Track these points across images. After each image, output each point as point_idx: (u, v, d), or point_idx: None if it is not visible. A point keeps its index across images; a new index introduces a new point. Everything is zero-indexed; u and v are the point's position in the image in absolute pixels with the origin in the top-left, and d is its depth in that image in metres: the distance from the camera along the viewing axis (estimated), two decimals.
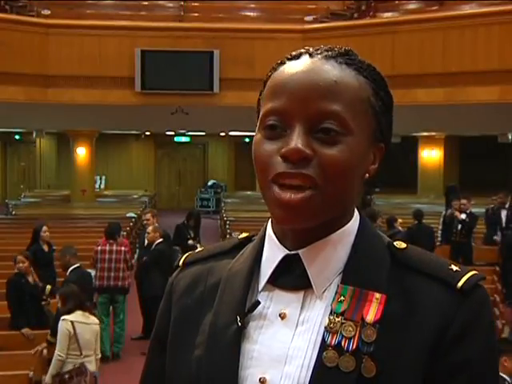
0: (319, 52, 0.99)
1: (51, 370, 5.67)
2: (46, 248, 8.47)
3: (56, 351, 5.64)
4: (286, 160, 0.93)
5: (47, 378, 5.67)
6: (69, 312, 5.70)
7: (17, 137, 22.71)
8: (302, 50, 1.01)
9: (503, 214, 11.15)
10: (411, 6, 14.10)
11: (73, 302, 5.71)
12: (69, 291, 5.84)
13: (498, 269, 9.28)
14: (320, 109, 0.94)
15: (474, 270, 0.99)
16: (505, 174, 20.45)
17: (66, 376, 5.69)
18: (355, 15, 14.47)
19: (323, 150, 0.93)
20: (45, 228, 8.51)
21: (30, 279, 6.92)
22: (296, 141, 0.93)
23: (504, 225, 11.06)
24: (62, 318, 5.68)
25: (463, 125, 14.59)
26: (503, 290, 8.80)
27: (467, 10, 12.11)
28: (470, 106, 11.22)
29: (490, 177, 19.28)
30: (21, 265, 6.85)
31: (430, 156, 19.03)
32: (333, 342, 0.93)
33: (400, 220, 10.13)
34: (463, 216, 10.34)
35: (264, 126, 0.97)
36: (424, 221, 10.50)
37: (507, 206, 11.19)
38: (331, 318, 0.95)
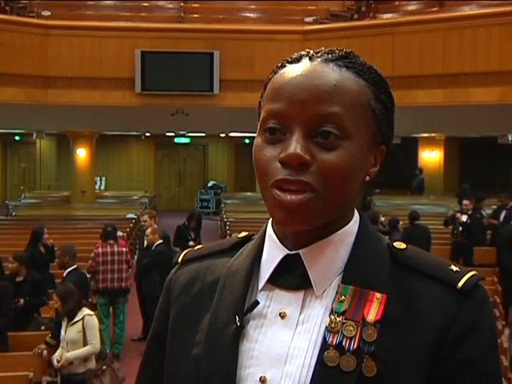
0: (319, 55, 0.99)
1: (80, 353, 5.70)
2: (43, 250, 8.52)
3: (93, 343, 5.71)
4: (284, 165, 0.94)
5: (71, 356, 5.67)
6: (74, 312, 5.71)
7: (17, 138, 22.69)
8: (303, 53, 1.01)
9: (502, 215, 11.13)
10: (411, 7, 14.10)
11: (72, 300, 5.72)
12: (67, 290, 5.84)
13: (497, 270, 9.29)
14: (319, 112, 0.94)
15: (474, 270, 1.00)
16: (505, 175, 20.46)
17: (104, 367, 5.79)
18: (355, 16, 14.49)
19: (322, 155, 0.94)
20: (46, 230, 8.66)
21: (20, 279, 6.96)
22: (295, 145, 0.93)
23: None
24: (87, 313, 5.74)
25: (463, 126, 14.60)
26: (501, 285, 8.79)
27: (467, 11, 12.12)
28: (470, 107, 11.22)
29: (489, 178, 19.27)
30: (9, 265, 7.00)
31: (430, 157, 19.04)
32: (334, 342, 0.94)
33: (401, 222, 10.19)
34: (464, 218, 10.33)
35: (264, 130, 0.98)
36: (424, 222, 10.52)
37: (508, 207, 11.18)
38: (332, 317, 0.96)
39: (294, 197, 0.93)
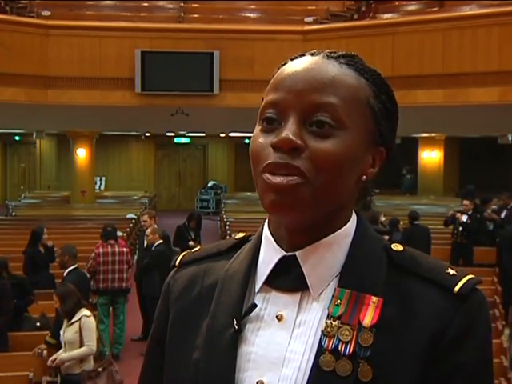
0: (322, 53, 1.01)
1: (75, 354, 5.68)
2: (43, 250, 8.52)
3: (89, 344, 5.67)
4: (276, 150, 0.94)
5: (66, 357, 5.66)
6: (73, 312, 5.70)
7: (17, 138, 22.69)
8: (306, 52, 1.03)
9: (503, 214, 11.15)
10: (411, 7, 14.11)
11: (71, 300, 5.71)
12: (66, 291, 5.83)
13: (497, 270, 9.30)
14: (313, 100, 0.95)
15: (473, 272, 1.00)
16: (505, 175, 20.46)
17: (100, 369, 5.75)
18: (355, 16, 14.49)
19: (315, 142, 0.94)
20: (45, 230, 8.66)
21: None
22: (287, 131, 0.94)
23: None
24: (84, 314, 5.71)
25: (463, 126, 14.60)
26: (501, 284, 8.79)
27: (467, 11, 12.12)
28: (470, 107, 11.23)
29: (490, 178, 19.27)
30: None
31: (430, 157, 19.02)
32: (330, 346, 0.93)
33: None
34: (464, 218, 10.33)
35: (262, 120, 0.99)
36: (424, 222, 10.52)
37: (509, 206, 11.20)
38: (328, 322, 0.95)
39: (283, 178, 0.93)
